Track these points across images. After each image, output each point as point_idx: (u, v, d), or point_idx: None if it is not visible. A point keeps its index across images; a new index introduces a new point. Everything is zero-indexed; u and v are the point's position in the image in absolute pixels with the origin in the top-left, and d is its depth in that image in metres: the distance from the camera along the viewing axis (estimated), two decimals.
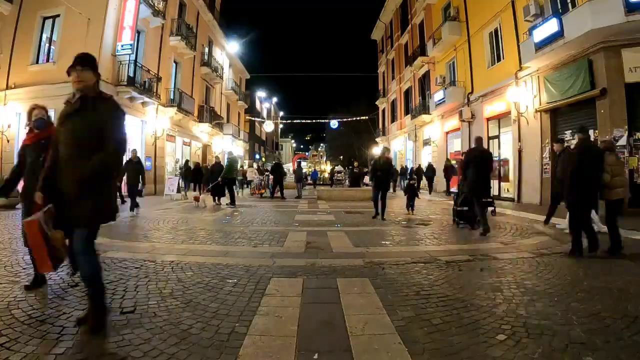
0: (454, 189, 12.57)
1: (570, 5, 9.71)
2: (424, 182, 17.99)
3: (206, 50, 22.50)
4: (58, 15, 12.99)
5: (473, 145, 6.97)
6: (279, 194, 14.16)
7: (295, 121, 53.37)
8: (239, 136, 30.37)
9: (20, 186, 3.23)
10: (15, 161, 3.20)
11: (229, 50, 27.24)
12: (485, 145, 14.36)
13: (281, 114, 52.53)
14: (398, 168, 20.85)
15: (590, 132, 9.17)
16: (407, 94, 25.13)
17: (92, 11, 12.30)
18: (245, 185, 18.87)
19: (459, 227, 6.70)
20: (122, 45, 12.93)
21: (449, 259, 4.20)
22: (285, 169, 25.31)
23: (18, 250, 4.55)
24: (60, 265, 2.44)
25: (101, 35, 12.37)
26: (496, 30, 13.70)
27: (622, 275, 3.53)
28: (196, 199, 11.10)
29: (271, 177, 15.59)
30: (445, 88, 17.21)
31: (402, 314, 2.55)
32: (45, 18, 13.34)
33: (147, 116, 15.40)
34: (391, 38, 28.76)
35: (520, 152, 12.05)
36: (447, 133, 18.82)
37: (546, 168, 10.97)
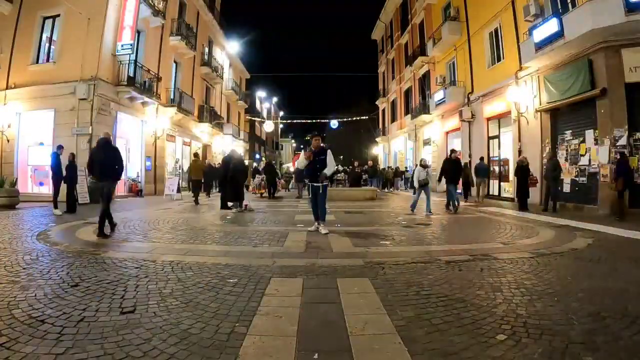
0: None
1: (570, 5, 9.71)
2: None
3: (206, 50, 22.50)
4: (58, 15, 13.00)
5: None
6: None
7: (295, 121, 53.18)
8: (239, 136, 30.35)
9: None
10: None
11: (229, 50, 27.23)
12: (485, 145, 14.49)
13: (281, 113, 52.44)
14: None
15: (590, 132, 9.28)
16: (407, 93, 25.12)
17: (92, 11, 12.30)
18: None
19: None
20: (122, 45, 12.93)
21: (449, 259, 4.19)
22: (285, 168, 25.20)
23: (18, 250, 4.56)
24: None
25: (101, 35, 12.38)
26: (496, 30, 13.70)
27: (622, 276, 3.53)
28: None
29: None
30: (445, 88, 17.20)
31: (402, 314, 2.55)
32: (45, 18, 13.34)
33: (147, 116, 15.41)
34: (391, 38, 28.76)
35: (520, 152, 12.04)
36: (447, 133, 18.83)
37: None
